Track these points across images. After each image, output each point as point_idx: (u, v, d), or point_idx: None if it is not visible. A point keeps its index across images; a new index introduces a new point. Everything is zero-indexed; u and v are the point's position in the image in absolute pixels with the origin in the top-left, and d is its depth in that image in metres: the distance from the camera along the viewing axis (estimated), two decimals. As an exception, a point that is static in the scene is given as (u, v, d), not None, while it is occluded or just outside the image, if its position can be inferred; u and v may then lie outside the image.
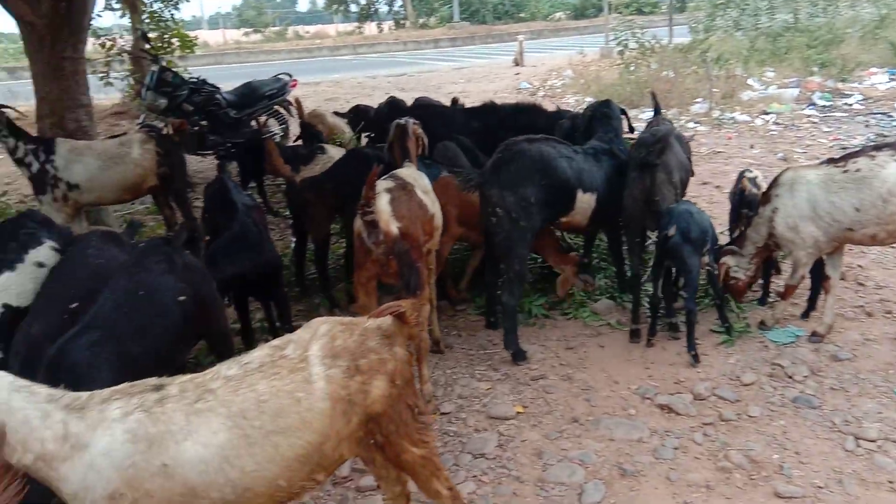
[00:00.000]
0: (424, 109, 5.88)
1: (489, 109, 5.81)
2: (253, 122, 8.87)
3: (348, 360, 2.05)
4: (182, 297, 2.96)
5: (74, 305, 2.90)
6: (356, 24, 30.40)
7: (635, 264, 4.23)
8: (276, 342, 2.09)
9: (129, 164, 5.15)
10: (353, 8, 30.85)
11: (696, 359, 3.87)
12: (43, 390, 1.83)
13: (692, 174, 4.86)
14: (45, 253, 3.33)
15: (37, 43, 5.70)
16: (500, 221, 3.95)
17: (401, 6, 31.29)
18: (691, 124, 9.69)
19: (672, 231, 3.81)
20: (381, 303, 3.73)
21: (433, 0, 30.99)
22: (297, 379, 1.97)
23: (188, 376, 1.98)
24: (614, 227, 4.56)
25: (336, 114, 7.37)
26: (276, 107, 9.07)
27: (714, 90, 10.56)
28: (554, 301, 4.71)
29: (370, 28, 30.23)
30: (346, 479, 3.07)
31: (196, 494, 1.85)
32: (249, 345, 3.94)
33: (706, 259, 3.95)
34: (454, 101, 6.85)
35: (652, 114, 5.64)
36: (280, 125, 9.23)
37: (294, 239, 5.98)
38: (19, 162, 5.06)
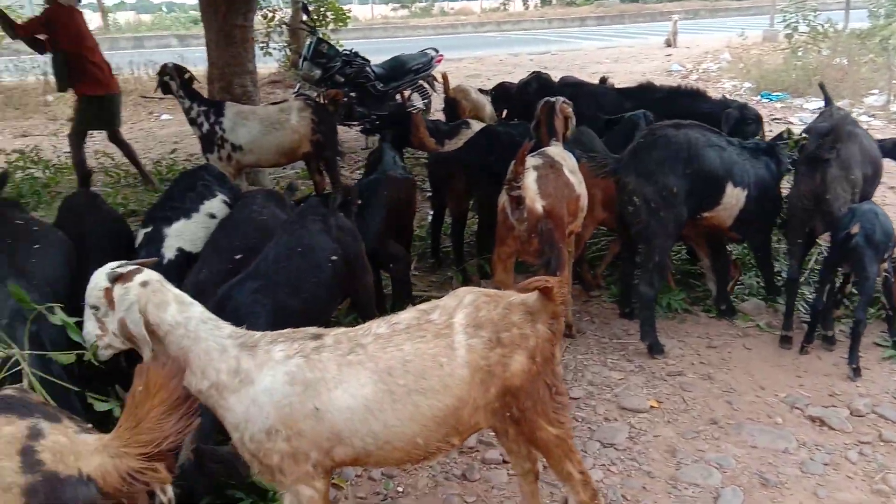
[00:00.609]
0: (573, 88, 5.72)
1: (645, 90, 5.53)
2: (397, 96, 9.12)
3: (490, 331, 2.06)
4: (334, 257, 3.12)
5: (238, 257, 3.13)
6: (502, 0, 30.17)
7: (793, 267, 3.88)
8: (423, 306, 2.14)
9: (288, 129, 5.45)
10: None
11: (856, 372, 3.53)
12: (227, 327, 2.00)
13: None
14: (217, 205, 3.63)
15: (212, 11, 6.13)
16: (637, 211, 3.77)
17: (549, -17, 30.67)
18: (864, 118, 8.78)
19: (856, 229, 3.45)
20: (516, 281, 3.75)
21: (582, -23, 30.06)
22: (440, 344, 2.01)
23: (342, 329, 2.08)
24: (763, 232, 4.22)
25: (480, 90, 7.37)
26: (420, 81, 9.26)
27: (894, 82, 9.51)
28: (696, 297, 4.49)
29: (515, 4, 29.89)
30: (472, 450, 3.11)
31: (341, 440, 1.95)
32: (381, 310, 4.06)
33: (885, 265, 3.57)
34: (602, 80, 6.64)
35: (821, 105, 5.17)
36: (423, 99, 9.41)
37: (431, 212, 6.12)
38: (192, 121, 5.51)
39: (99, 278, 1.97)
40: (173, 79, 5.40)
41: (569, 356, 3.84)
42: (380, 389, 1.93)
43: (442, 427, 2.02)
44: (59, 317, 2.42)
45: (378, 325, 2.05)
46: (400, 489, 2.90)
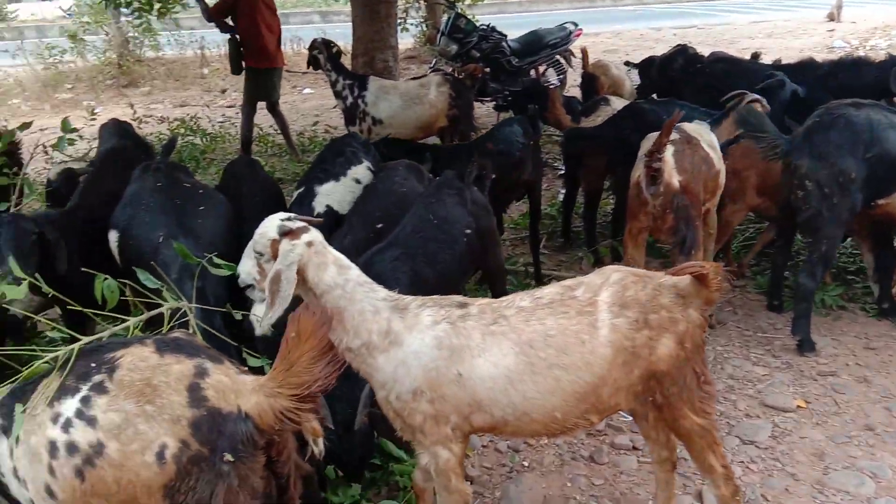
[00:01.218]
0: (725, 64, 5.35)
1: (806, 67, 5.06)
2: (532, 71, 8.98)
3: (637, 312, 2.00)
4: (468, 231, 3.15)
5: (380, 226, 3.25)
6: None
7: None
8: (568, 282, 2.11)
9: (426, 104, 5.54)
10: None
11: None
12: (381, 290, 2.07)
13: None
14: (362, 171, 3.79)
15: (358, -14, 6.32)
16: (808, 196, 3.47)
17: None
18: None
19: None
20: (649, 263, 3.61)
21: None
22: (583, 321, 1.98)
23: (486, 300, 2.10)
24: None
25: (627, 64, 7.08)
26: (556, 56, 9.06)
27: None
28: (853, 293, 4.12)
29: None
30: (600, 433, 3.06)
31: (481, 407, 1.98)
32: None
33: None
34: (754, 55, 6.18)
35: None
36: (558, 74, 9.20)
37: (562, 190, 6.01)
38: (337, 94, 5.74)
39: (269, 228, 2.03)
40: (322, 52, 5.64)
41: (707, 347, 3.64)
42: (521, 361, 1.94)
43: (581, 403, 2.00)
44: (221, 267, 2.59)
45: (521, 299, 2.05)
46: (525, 463, 2.92)
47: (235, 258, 2.92)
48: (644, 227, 3.45)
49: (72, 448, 1.65)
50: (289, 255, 1.96)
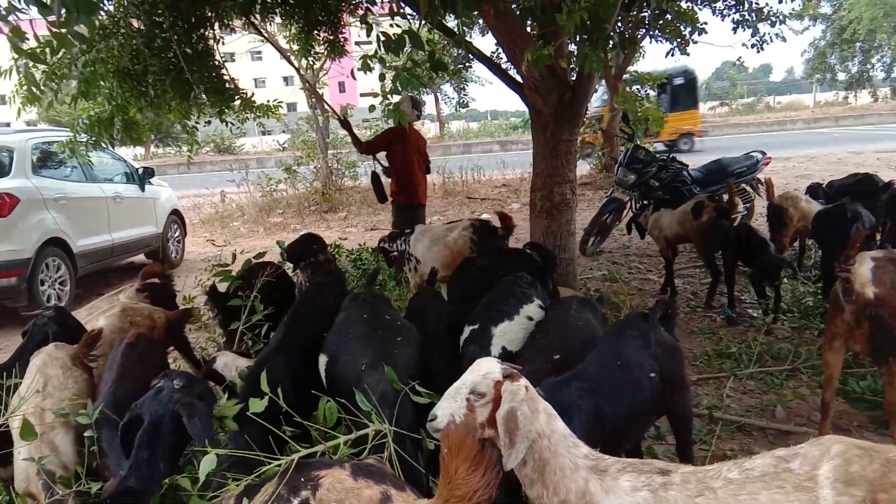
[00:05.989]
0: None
1: None
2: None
3: (865, 490, 1.77)
4: (653, 374, 3.05)
5: (557, 357, 3.25)
6: (843, 93, 27.23)
7: None
8: (780, 452, 1.95)
9: (444, 245, 5.87)
10: (841, 76, 27.15)
11: None
12: (583, 447, 2.05)
13: None
14: (533, 309, 3.83)
15: (541, 128, 6.64)
16: None
17: (902, 71, 26.85)
18: None
19: None
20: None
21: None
22: (802, 498, 1.79)
23: (690, 468, 1.99)
24: None
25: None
26: (743, 185, 8.81)
27: None
28: None
29: (860, 97, 26.77)
30: None
31: None
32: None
33: None
34: None
35: None
36: (744, 203, 8.90)
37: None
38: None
39: (491, 369, 2.08)
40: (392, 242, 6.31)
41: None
42: None
43: None
44: (422, 395, 2.80)
45: (729, 469, 1.91)
46: None
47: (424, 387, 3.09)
48: (839, 334, 3.56)
49: None
50: (517, 394, 2.00)
